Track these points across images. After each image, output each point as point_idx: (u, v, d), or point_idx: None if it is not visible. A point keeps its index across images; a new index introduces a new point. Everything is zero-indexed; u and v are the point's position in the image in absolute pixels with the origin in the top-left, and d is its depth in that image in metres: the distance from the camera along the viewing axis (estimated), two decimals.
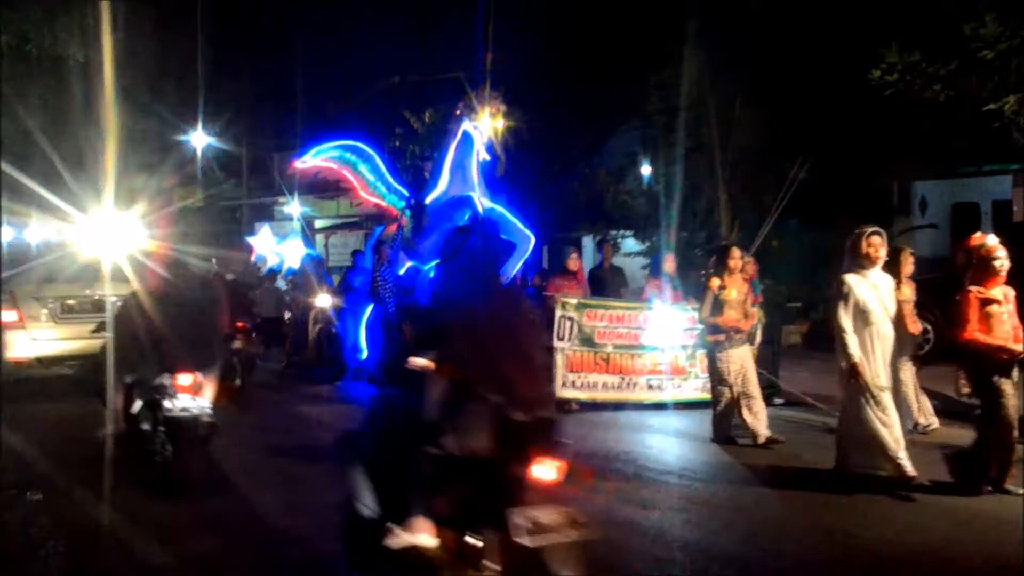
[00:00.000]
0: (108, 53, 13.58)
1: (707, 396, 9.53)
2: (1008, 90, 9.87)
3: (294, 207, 25.09)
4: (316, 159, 13.94)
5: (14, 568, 5.01)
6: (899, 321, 6.91)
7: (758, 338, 9.53)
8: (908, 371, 7.85)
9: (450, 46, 19.67)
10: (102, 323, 8.12)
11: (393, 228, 13.53)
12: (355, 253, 14.34)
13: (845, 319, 6.36)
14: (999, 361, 6.10)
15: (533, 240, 13.44)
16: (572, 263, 10.95)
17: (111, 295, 9.72)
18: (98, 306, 10.91)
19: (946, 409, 8.63)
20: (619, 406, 9.86)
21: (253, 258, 19.70)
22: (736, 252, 8.29)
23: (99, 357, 7.49)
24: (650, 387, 10.05)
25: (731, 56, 14.24)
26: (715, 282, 8.07)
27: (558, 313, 9.85)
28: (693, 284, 11.04)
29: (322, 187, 14.48)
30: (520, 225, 13.44)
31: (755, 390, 8.07)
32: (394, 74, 21.65)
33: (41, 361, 11.21)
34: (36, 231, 21.31)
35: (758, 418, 7.96)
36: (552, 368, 11.44)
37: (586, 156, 20.63)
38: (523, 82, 15.41)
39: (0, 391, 9.41)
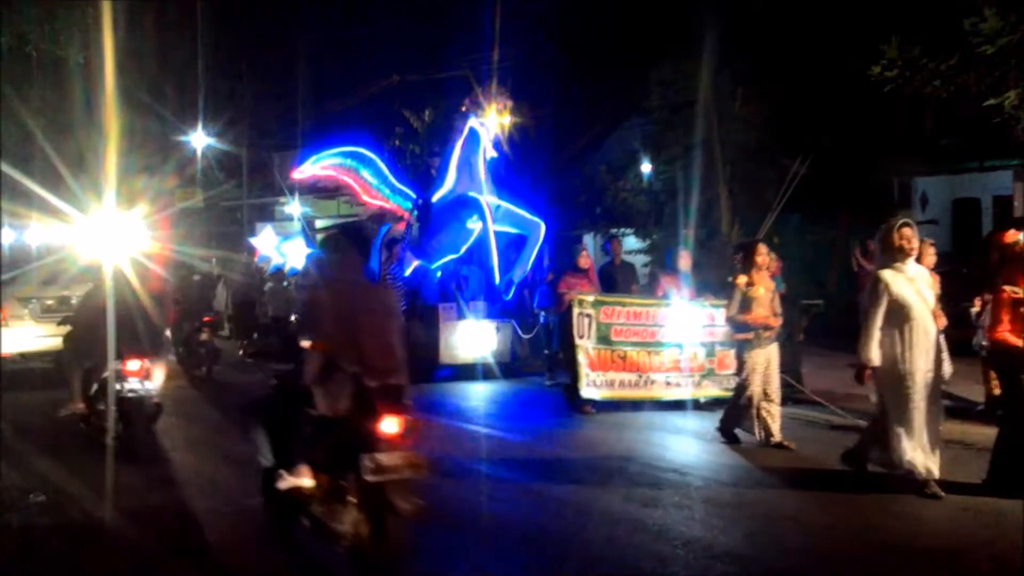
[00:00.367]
0: (109, 54, 13.56)
1: (725, 394, 9.45)
2: (1008, 85, 9.86)
3: (294, 207, 25.11)
4: (314, 168, 13.92)
5: None
6: None
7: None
8: None
9: (449, 44, 19.71)
10: (66, 317, 8.84)
11: (401, 227, 13.46)
12: None
13: (877, 321, 6.16)
14: None
15: (543, 226, 13.42)
16: (583, 260, 10.86)
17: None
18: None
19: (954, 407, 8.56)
20: (636, 405, 9.74)
21: (256, 259, 19.73)
22: (763, 248, 8.02)
23: (62, 348, 8.33)
24: (668, 385, 9.86)
25: (731, 52, 14.23)
26: (742, 279, 7.84)
27: (576, 311, 9.69)
28: (693, 281, 11.01)
29: (322, 187, 14.42)
30: (527, 215, 13.41)
31: (775, 393, 7.86)
32: (394, 73, 21.68)
33: (24, 356, 12.27)
34: (36, 233, 21.31)
35: (774, 420, 7.79)
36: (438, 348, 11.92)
37: (586, 153, 20.64)
38: (522, 79, 15.40)
39: None
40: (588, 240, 19.49)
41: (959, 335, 6.48)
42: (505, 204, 13.28)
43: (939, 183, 17.83)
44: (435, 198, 13.35)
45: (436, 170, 14.61)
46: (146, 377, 7.42)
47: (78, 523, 5.79)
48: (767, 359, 7.80)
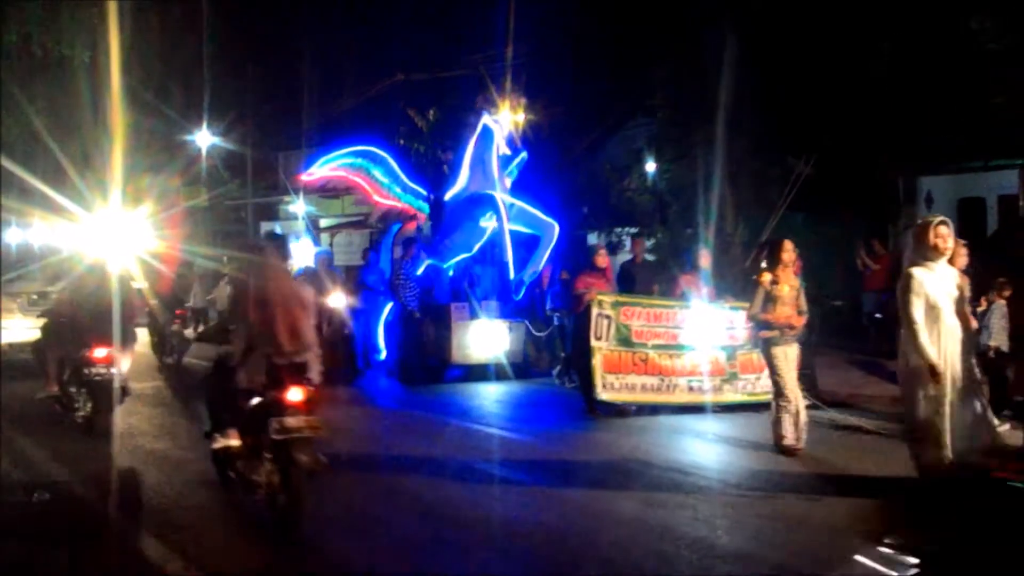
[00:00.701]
0: (115, 53, 13.60)
1: (748, 398, 9.41)
2: (1015, 83, 9.84)
3: (299, 206, 25.11)
4: (323, 169, 13.77)
5: None
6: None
7: None
8: None
9: (454, 43, 19.70)
10: (44, 310, 9.74)
11: (412, 226, 13.38)
12: (369, 251, 14.16)
13: (918, 315, 6.04)
14: None
15: (557, 228, 13.33)
16: (600, 259, 10.50)
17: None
18: None
19: None
20: (655, 409, 9.48)
21: None
22: (789, 245, 7.81)
23: (40, 338, 9.24)
24: (691, 389, 9.58)
25: (736, 51, 14.19)
26: (766, 277, 7.65)
27: (594, 311, 9.40)
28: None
29: (331, 188, 14.34)
30: (541, 215, 13.32)
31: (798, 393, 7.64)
32: (399, 72, 21.67)
33: (12, 346, 12.96)
34: (40, 232, 21.37)
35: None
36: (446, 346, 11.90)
37: (590, 153, 20.61)
38: (524, 79, 15.37)
39: None
40: (592, 239, 19.46)
41: None
42: (519, 203, 13.14)
43: (944, 182, 17.77)
44: (448, 196, 13.24)
45: (449, 166, 14.54)
46: (112, 364, 8.23)
47: (40, 483, 6.60)
48: (792, 359, 7.63)
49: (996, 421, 6.75)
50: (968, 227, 17.38)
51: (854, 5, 13.69)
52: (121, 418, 8.57)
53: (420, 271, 12.44)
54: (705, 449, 8.13)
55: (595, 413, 9.40)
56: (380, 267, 13.16)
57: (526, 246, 13.28)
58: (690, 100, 15.86)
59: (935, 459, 6.08)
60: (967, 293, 6.51)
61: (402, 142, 19.01)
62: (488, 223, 12.85)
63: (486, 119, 12.94)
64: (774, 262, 7.70)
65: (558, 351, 12.14)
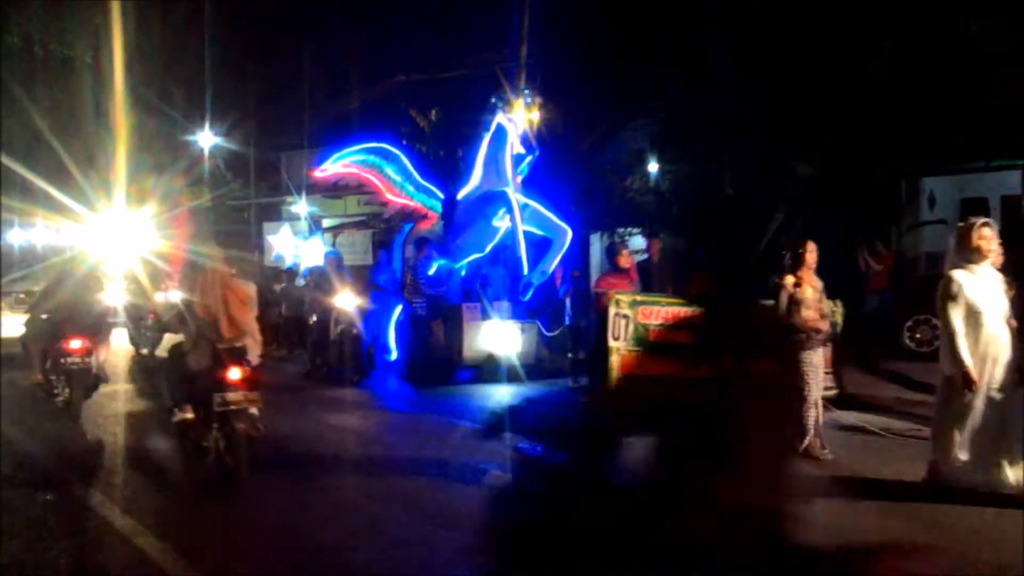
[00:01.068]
0: (118, 53, 13.63)
1: None
2: (1017, 84, 9.83)
3: (302, 206, 25.13)
4: (336, 166, 13.58)
5: None
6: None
7: None
8: None
9: (458, 43, 19.69)
10: (29, 307, 10.53)
11: (424, 225, 13.27)
12: (381, 251, 14.06)
13: (957, 320, 5.84)
14: None
15: (570, 233, 13.25)
16: (623, 259, 10.13)
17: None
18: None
19: None
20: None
21: (272, 258, 19.76)
22: (812, 245, 7.50)
23: (25, 332, 10.07)
24: None
25: (738, 51, 14.21)
26: (789, 279, 7.32)
27: (612, 311, 9.07)
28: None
29: (343, 186, 14.22)
30: (555, 219, 13.24)
31: (819, 398, 7.43)
32: (400, 72, 21.67)
33: (2, 341, 13.52)
34: (42, 233, 21.43)
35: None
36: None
37: (593, 153, 20.62)
38: (528, 78, 15.36)
39: None
40: (594, 239, 19.47)
41: None
42: (533, 204, 13.04)
43: (947, 183, 17.77)
44: (461, 195, 13.11)
45: (452, 166, 14.46)
46: (88, 354, 9.19)
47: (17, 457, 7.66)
48: (817, 363, 7.36)
49: None
50: None
51: (856, 6, 13.69)
52: (100, 400, 9.84)
53: (432, 271, 12.31)
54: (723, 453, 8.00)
55: (610, 415, 9.31)
56: (391, 267, 13.07)
57: (537, 248, 13.19)
58: (692, 101, 15.89)
59: (947, 466, 5.97)
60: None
61: (404, 143, 19.06)
62: (501, 223, 12.70)
63: (500, 117, 12.72)
64: (797, 263, 7.41)
65: (566, 352, 12.05)
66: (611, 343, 9.09)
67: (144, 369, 13.00)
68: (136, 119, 17.57)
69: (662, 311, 9.29)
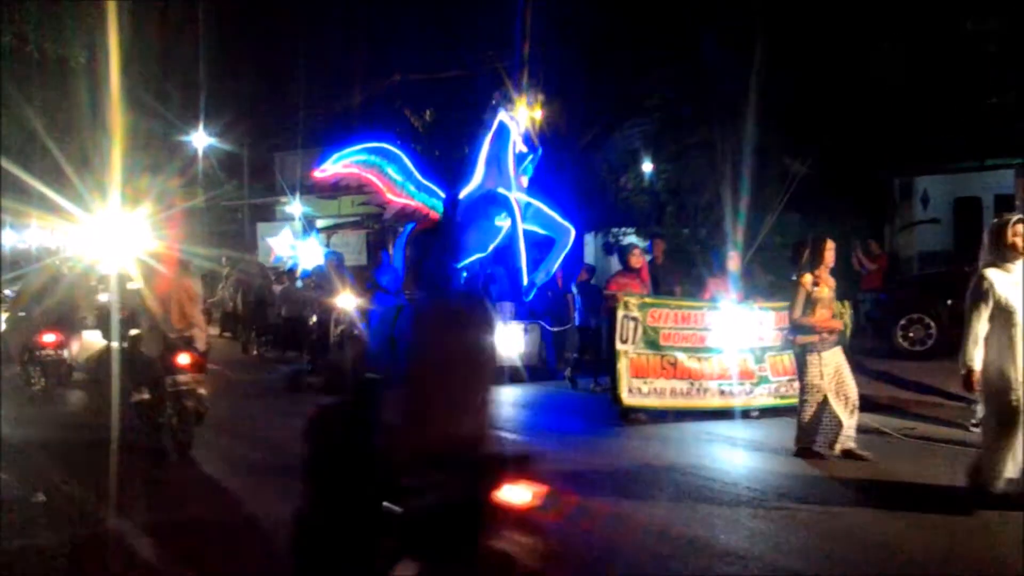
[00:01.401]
0: (114, 53, 13.57)
1: (778, 402, 9.13)
2: (1010, 84, 9.85)
3: (295, 207, 25.11)
4: (336, 166, 13.40)
5: None
6: None
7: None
8: None
9: (453, 42, 19.65)
10: (9, 306, 11.51)
11: (426, 225, 13.18)
12: (382, 251, 13.95)
13: (981, 322, 5.65)
14: None
15: (573, 232, 13.18)
16: (635, 259, 9.94)
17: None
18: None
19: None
20: (680, 414, 9.09)
21: (272, 259, 19.72)
22: (832, 244, 7.38)
23: (5, 329, 11.17)
24: (721, 393, 9.18)
25: (733, 51, 14.22)
26: (807, 279, 7.20)
27: (620, 313, 9.02)
28: (694, 281, 10.92)
29: (344, 186, 14.04)
30: (558, 217, 13.17)
31: (853, 392, 7.22)
32: (396, 72, 21.61)
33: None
34: (35, 235, 21.39)
35: (845, 428, 7.15)
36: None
37: (586, 153, 20.63)
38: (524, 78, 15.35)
39: None
40: (589, 239, 19.46)
41: (960, 335, 6.12)
42: (536, 203, 12.94)
43: (940, 182, 17.82)
44: (462, 195, 13.02)
45: (447, 166, 14.36)
46: (60, 347, 10.50)
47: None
48: (836, 363, 7.25)
49: None
50: (965, 227, 17.45)
51: (851, 6, 13.71)
52: (71, 387, 11.15)
53: None
54: (736, 456, 7.80)
55: (632, 419, 9.07)
56: (393, 267, 12.99)
57: (540, 247, 13.11)
58: (687, 100, 15.89)
59: (991, 473, 5.71)
60: None
61: (399, 143, 19.02)
62: (503, 222, 12.57)
63: (502, 116, 12.54)
64: (816, 262, 7.28)
65: (571, 353, 11.98)
66: (619, 346, 9.03)
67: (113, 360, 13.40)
68: (130, 119, 17.50)
69: (672, 313, 9.28)
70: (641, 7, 15.91)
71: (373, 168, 13.04)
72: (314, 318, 13.11)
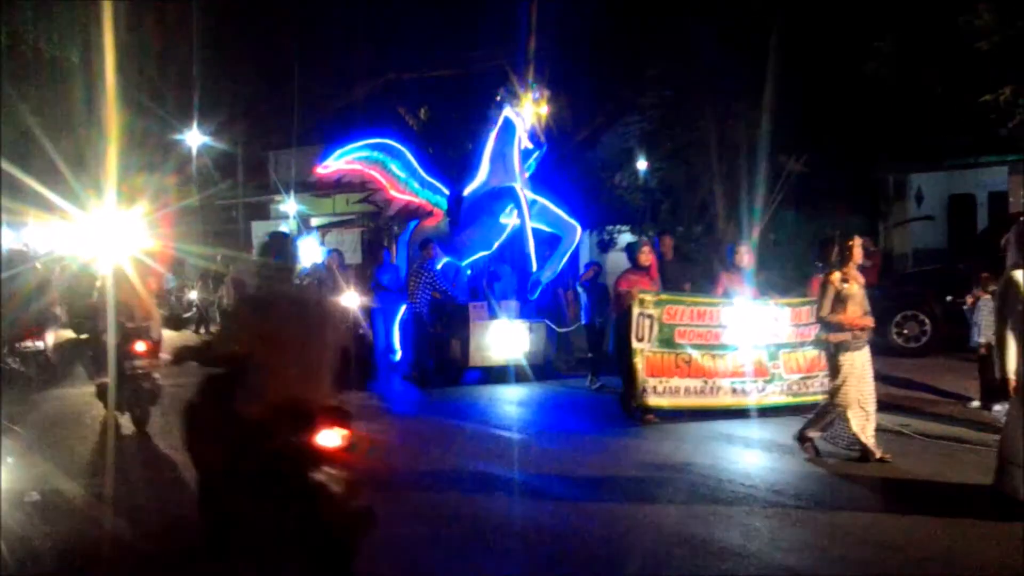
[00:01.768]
0: (109, 52, 13.54)
1: (790, 400, 9.01)
2: (1004, 81, 9.88)
3: (290, 205, 25.07)
4: (339, 162, 13.17)
5: None
6: None
7: None
8: None
9: (448, 41, 19.66)
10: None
11: (430, 223, 13.05)
12: (384, 250, 13.77)
13: (1008, 326, 5.43)
14: None
15: (579, 230, 13.06)
16: (644, 257, 9.68)
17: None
18: None
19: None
20: (693, 414, 8.91)
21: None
22: (860, 240, 7.20)
23: None
24: (734, 391, 9.05)
25: (727, 49, 14.25)
26: (836, 276, 7.00)
27: (636, 311, 8.83)
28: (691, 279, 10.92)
29: (346, 183, 13.85)
30: (564, 215, 13.05)
31: (871, 400, 7.06)
32: (390, 71, 21.62)
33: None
34: (31, 234, 21.34)
35: (864, 429, 6.98)
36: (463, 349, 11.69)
37: (580, 151, 20.64)
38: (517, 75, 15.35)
39: None
40: (584, 238, 19.48)
41: (955, 332, 5.99)
42: (542, 200, 12.74)
43: (934, 179, 17.89)
44: (467, 191, 12.80)
45: (442, 165, 14.26)
46: (38, 339, 11.61)
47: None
48: (863, 363, 7.04)
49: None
50: (959, 224, 17.53)
51: (844, 4, 13.75)
52: (48, 376, 11.93)
53: (438, 267, 12.03)
54: (749, 456, 7.66)
55: (644, 419, 8.88)
56: (395, 265, 12.89)
57: (547, 245, 12.97)
58: (681, 98, 15.92)
59: (1013, 483, 5.50)
60: None
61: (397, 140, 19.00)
62: (508, 219, 12.48)
63: (508, 112, 12.35)
64: (844, 259, 7.07)
65: (575, 353, 11.90)
66: (635, 344, 8.86)
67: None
68: (125, 118, 17.47)
69: (687, 310, 9.11)
70: (635, 5, 15.94)
71: (376, 164, 12.84)
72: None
